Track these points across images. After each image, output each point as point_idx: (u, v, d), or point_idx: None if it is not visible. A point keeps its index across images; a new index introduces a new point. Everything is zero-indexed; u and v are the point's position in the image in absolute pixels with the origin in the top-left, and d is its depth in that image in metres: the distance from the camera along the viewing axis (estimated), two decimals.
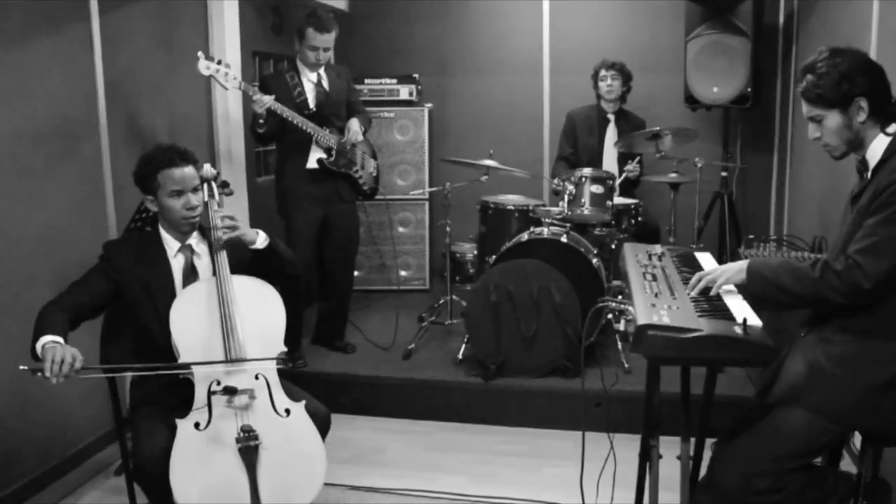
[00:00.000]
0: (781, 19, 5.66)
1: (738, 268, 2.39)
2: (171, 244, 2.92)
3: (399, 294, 5.71)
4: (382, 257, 6.04)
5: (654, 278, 2.53)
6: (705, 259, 2.90)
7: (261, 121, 4.17)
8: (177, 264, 2.91)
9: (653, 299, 2.29)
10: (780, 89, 5.73)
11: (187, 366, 2.65)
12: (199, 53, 3.84)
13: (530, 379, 4.25)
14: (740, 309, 2.27)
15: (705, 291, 2.42)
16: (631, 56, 5.73)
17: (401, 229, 6.07)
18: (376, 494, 3.52)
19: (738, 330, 2.09)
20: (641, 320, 2.10)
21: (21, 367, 2.40)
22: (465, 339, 4.49)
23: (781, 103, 5.73)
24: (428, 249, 6.14)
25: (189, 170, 2.86)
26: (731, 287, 2.42)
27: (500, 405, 4.23)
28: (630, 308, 2.29)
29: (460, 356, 4.49)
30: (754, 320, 2.17)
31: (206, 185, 2.97)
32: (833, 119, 2.35)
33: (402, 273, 6.05)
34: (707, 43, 5.31)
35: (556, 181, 5.20)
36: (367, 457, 3.90)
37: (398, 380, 4.35)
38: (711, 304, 2.31)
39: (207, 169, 2.98)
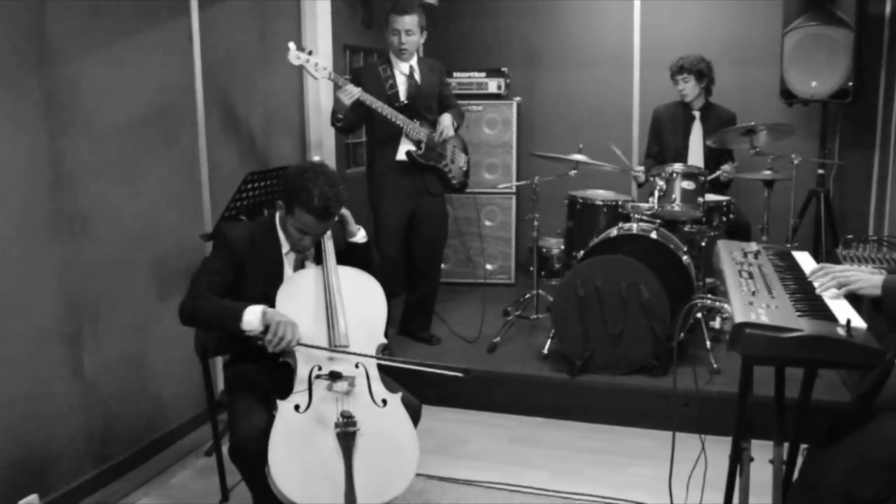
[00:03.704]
0: (888, 9, 5.42)
1: (874, 282, 2.26)
2: (284, 242, 2.96)
3: (484, 288, 5.72)
4: (468, 251, 6.05)
5: (751, 276, 2.46)
6: (803, 258, 2.82)
7: (339, 115, 4.24)
8: (288, 259, 2.97)
9: (750, 297, 2.23)
10: (884, 83, 5.50)
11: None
12: (290, 44, 3.92)
13: (616, 376, 4.20)
14: (843, 310, 2.19)
15: (805, 291, 2.35)
16: (724, 49, 5.61)
17: (487, 223, 6.07)
18: (459, 486, 3.54)
19: (842, 331, 2.01)
20: (739, 318, 2.05)
21: (248, 333, 2.65)
22: (551, 334, 4.47)
23: (885, 98, 5.49)
24: (514, 244, 6.13)
25: (324, 224, 2.84)
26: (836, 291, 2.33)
27: (584, 401, 4.19)
28: (726, 306, 2.24)
29: (545, 351, 4.46)
30: (858, 322, 2.09)
31: None
32: None
33: (488, 267, 6.05)
34: (805, 35, 5.15)
35: (639, 169, 5.13)
36: (451, 448, 3.92)
37: (483, 373, 4.35)
38: (812, 304, 2.23)
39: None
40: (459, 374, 2.85)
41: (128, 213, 3.55)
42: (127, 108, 3.52)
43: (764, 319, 2.04)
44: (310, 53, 3.94)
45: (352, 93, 4.10)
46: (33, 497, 3.09)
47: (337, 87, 4.14)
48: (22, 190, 3.03)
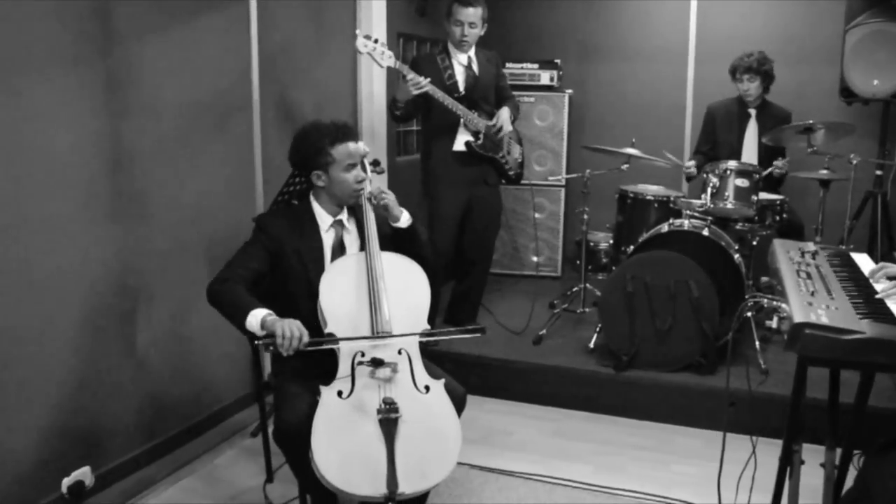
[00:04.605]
0: None
1: None
2: (323, 218, 2.99)
3: (530, 280, 5.69)
4: (516, 242, 6.04)
5: (809, 276, 2.42)
6: (862, 260, 2.77)
7: (400, 104, 4.23)
8: (328, 238, 2.99)
9: (809, 298, 2.19)
10: None
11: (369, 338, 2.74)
12: (357, 31, 3.94)
13: (662, 373, 4.17)
14: None
15: (866, 293, 2.30)
16: (782, 46, 5.50)
17: (535, 215, 6.04)
18: (501, 476, 3.54)
19: None
20: (798, 318, 2.01)
21: (257, 342, 2.63)
22: (598, 328, 4.45)
23: None
24: (562, 237, 6.10)
25: (358, 144, 2.95)
26: None
27: (630, 397, 4.17)
28: (783, 305, 2.21)
29: (592, 345, 4.44)
30: None
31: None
32: None
33: (534, 259, 6.04)
34: (869, 32, 5.01)
35: (690, 163, 5.06)
36: (494, 439, 3.92)
37: (529, 364, 4.36)
38: (873, 307, 2.18)
39: (361, 146, 3.03)
40: (478, 333, 2.83)
41: (183, 195, 3.61)
42: (185, 92, 3.57)
43: (824, 320, 2.00)
44: (376, 41, 3.94)
45: (419, 83, 4.08)
46: (86, 469, 3.16)
47: (402, 77, 4.12)
48: (83, 170, 3.09)
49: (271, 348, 2.56)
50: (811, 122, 4.47)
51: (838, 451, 2.71)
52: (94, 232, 3.15)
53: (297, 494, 2.98)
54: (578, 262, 5.12)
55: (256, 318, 2.65)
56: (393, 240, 3.06)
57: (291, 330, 2.56)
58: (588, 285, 5.04)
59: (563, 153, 6.02)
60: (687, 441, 3.90)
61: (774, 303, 2.30)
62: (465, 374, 4.14)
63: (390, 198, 3.01)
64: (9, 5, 2.72)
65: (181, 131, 3.56)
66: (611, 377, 4.20)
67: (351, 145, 2.91)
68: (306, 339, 2.59)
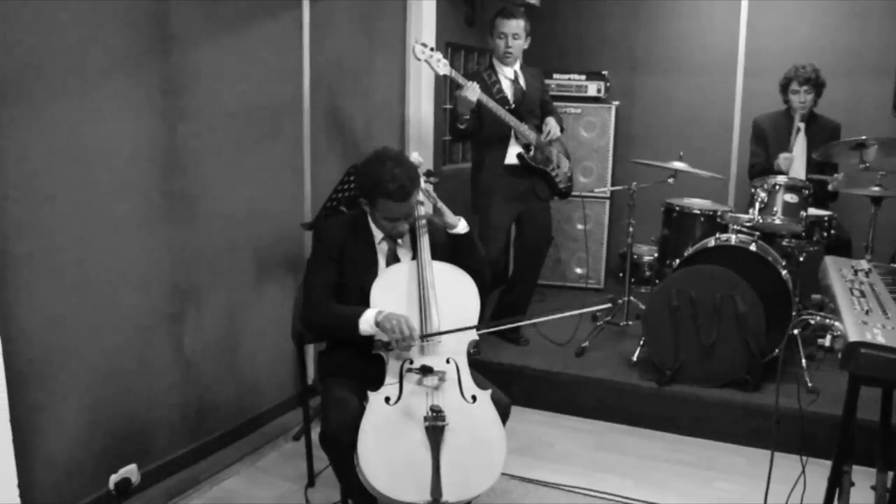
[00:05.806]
0: None
1: None
2: (377, 231, 2.99)
3: (573, 291, 5.66)
4: (559, 254, 6.02)
5: (863, 295, 2.39)
6: None
7: (465, 117, 4.22)
8: (382, 248, 3.00)
9: (863, 316, 2.16)
10: None
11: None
12: (415, 39, 4.01)
13: (706, 388, 4.12)
14: None
15: None
16: (835, 58, 5.45)
17: (579, 227, 6.02)
18: (541, 488, 3.53)
19: None
20: (853, 337, 1.98)
21: (376, 350, 2.77)
22: (641, 342, 4.42)
23: None
24: (605, 249, 6.07)
25: (407, 205, 2.84)
26: None
27: (672, 412, 4.13)
28: (836, 323, 2.18)
29: (635, 358, 4.42)
30: None
31: None
32: None
33: (577, 271, 6.02)
34: None
35: (789, 154, 4.95)
36: (535, 449, 3.91)
37: (571, 376, 4.34)
38: None
39: (416, 157, 3.03)
40: (608, 305, 3.10)
41: (233, 199, 3.66)
42: (238, 97, 3.62)
43: (880, 340, 1.97)
44: (432, 50, 3.99)
45: (475, 90, 4.09)
46: (132, 466, 3.22)
47: (457, 86, 4.15)
48: (138, 171, 3.15)
49: (391, 349, 2.69)
50: (864, 137, 4.39)
51: (890, 473, 2.66)
52: (146, 232, 3.21)
53: (338, 499, 3.00)
54: (622, 274, 5.09)
55: (368, 322, 2.74)
56: (449, 248, 3.06)
57: (402, 329, 2.66)
58: (632, 298, 5.01)
59: (609, 165, 5.99)
60: (730, 458, 3.86)
61: (827, 321, 2.27)
62: (507, 385, 4.12)
63: (442, 206, 3.01)
64: (71, 10, 2.79)
65: (233, 135, 3.61)
66: (653, 391, 4.16)
67: (395, 206, 2.80)
68: (418, 335, 2.70)
